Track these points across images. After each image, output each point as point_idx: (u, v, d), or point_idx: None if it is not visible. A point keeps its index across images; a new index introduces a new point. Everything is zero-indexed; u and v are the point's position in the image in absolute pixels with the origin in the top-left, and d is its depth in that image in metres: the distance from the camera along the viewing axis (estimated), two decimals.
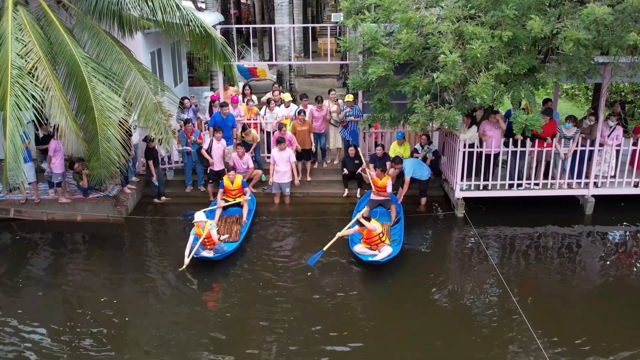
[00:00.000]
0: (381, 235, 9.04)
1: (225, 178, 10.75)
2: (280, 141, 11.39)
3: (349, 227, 9.28)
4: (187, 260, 8.94)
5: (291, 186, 11.81)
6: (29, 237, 10.51)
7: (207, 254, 9.16)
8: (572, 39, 8.33)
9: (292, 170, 11.62)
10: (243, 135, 12.15)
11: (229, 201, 10.79)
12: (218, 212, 10.66)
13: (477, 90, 8.67)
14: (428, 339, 7.49)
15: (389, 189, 10.55)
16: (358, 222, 9.10)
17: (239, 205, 10.79)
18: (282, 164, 11.45)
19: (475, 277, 8.99)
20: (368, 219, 9.10)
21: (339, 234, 9.14)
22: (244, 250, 9.88)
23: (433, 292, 8.55)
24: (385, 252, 8.98)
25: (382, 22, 9.97)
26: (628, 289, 8.74)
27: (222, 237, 9.58)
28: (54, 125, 9.23)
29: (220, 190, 10.83)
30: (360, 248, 9.23)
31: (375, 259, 8.92)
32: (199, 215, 9.24)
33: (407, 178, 11.00)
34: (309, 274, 9.02)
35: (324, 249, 9.04)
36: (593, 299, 8.59)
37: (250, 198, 10.96)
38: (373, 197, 10.70)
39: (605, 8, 8.08)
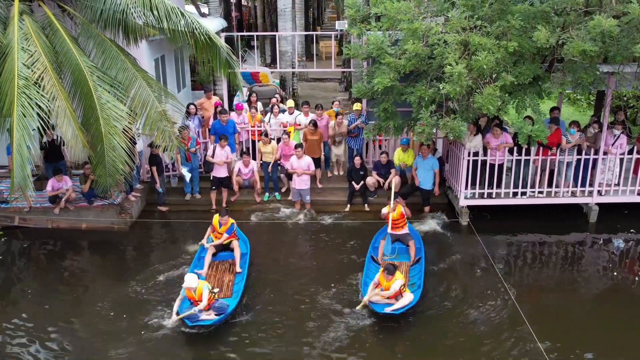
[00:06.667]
0: (403, 287, 8.00)
1: (215, 217, 9.50)
2: (297, 146, 11.46)
3: (373, 288, 8.09)
4: (175, 318, 7.68)
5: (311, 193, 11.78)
6: (34, 245, 10.52)
7: (207, 316, 7.72)
8: (578, 50, 8.36)
9: (310, 178, 11.66)
10: (263, 143, 12.02)
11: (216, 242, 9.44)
12: (208, 259, 9.22)
13: (482, 101, 8.71)
14: (430, 347, 7.53)
15: (407, 214, 9.84)
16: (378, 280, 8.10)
17: (230, 248, 9.49)
18: (301, 172, 11.48)
19: (480, 285, 9.01)
20: (395, 268, 8.01)
21: (365, 300, 8.03)
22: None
23: (436, 300, 8.55)
24: (405, 299, 7.90)
25: (387, 30, 9.99)
26: (634, 298, 8.77)
27: (214, 291, 8.03)
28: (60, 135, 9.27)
29: (210, 229, 9.56)
30: (375, 296, 8.05)
31: (393, 308, 7.79)
32: (190, 280, 7.66)
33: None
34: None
35: (357, 308, 8.12)
36: (598, 308, 8.64)
37: (239, 238, 9.65)
38: (390, 231, 9.56)
39: (612, 20, 8.10)
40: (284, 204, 11.97)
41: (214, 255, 9.37)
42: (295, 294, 8.73)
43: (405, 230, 9.71)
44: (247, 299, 8.54)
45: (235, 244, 9.40)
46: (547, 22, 9.10)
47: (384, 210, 9.77)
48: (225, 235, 9.37)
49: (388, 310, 7.78)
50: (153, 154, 11.51)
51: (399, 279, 7.94)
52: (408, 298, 7.96)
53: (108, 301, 8.57)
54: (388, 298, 7.96)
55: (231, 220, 9.51)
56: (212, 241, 9.41)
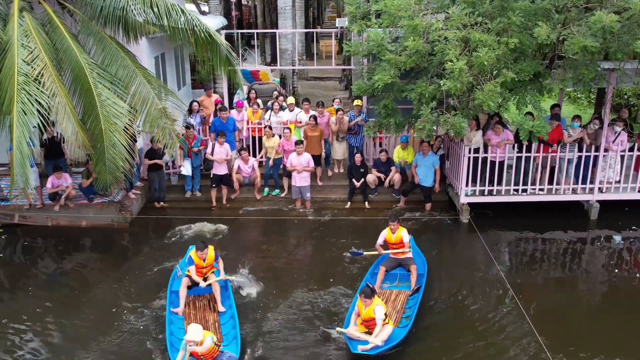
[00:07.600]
0: (385, 318, 7.09)
1: (193, 254, 8.17)
2: (297, 143, 11.44)
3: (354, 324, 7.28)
4: None
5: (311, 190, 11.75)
6: (35, 243, 10.49)
7: None
8: (579, 46, 8.34)
9: (310, 174, 11.62)
10: (267, 137, 12.00)
11: (195, 281, 8.15)
12: (183, 294, 7.98)
13: (483, 98, 8.69)
14: (431, 346, 7.49)
15: (406, 239, 8.65)
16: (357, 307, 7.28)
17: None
18: (300, 169, 11.46)
19: (481, 283, 8.99)
20: (372, 292, 7.20)
21: (344, 330, 7.23)
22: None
23: (437, 298, 8.53)
24: (384, 333, 6.97)
25: (387, 27, 9.99)
26: (635, 296, 8.74)
27: (217, 343, 6.89)
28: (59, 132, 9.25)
29: (189, 268, 8.15)
30: (354, 331, 7.18)
31: (368, 347, 6.87)
32: (195, 333, 6.50)
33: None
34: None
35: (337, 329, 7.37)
36: (599, 306, 8.62)
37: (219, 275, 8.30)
38: (392, 256, 8.80)
39: (613, 16, 8.09)
40: (284, 201, 11.96)
41: (188, 288, 8.12)
42: (294, 304, 8.41)
43: (407, 255, 8.72)
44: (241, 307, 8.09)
45: (211, 277, 8.17)
46: (548, 19, 9.10)
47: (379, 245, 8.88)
48: (222, 270, 8.35)
49: (362, 348, 6.87)
50: (153, 149, 11.50)
51: (379, 305, 7.07)
52: (387, 332, 7.00)
53: (109, 299, 8.55)
54: (369, 333, 7.07)
55: (211, 248, 8.24)
56: (187, 276, 8.14)
